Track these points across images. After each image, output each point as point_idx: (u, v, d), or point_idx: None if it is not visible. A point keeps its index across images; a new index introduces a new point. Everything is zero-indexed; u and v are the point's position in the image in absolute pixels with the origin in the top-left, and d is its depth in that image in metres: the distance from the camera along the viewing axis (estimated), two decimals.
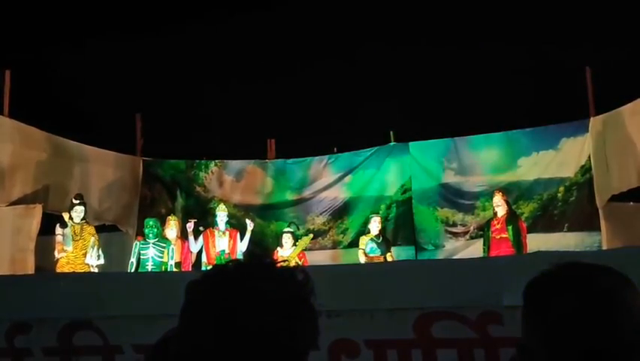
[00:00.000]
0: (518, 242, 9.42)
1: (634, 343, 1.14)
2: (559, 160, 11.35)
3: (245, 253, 9.86)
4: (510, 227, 9.53)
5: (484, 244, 9.95)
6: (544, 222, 11.30)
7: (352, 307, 4.18)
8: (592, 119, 10.95)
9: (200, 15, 14.08)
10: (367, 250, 10.05)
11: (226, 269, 1.18)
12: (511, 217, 9.71)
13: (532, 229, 11.18)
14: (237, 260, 1.20)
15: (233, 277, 1.16)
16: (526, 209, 11.40)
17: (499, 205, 9.75)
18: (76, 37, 13.43)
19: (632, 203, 10.98)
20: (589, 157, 11.00)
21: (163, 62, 13.87)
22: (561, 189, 11.29)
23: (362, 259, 9.99)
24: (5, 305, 4.40)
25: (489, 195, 11.45)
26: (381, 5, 13.92)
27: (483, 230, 10.24)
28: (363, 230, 10.76)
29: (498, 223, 9.68)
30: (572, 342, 1.14)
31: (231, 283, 1.14)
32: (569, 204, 11.22)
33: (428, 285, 4.28)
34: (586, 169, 11.06)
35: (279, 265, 1.18)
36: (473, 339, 4.02)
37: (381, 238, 10.21)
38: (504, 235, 9.52)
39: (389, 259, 10.03)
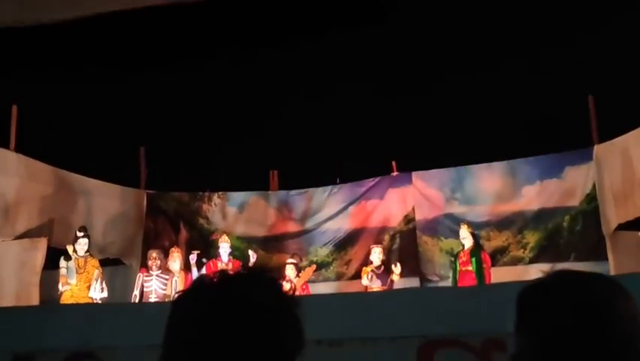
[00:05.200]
0: (480, 274, 9.59)
1: (626, 350, 1.13)
2: (563, 189, 11.27)
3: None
4: (473, 259, 9.73)
5: (452, 277, 10.17)
6: (550, 251, 11.16)
7: (354, 336, 4.15)
8: (596, 147, 10.92)
9: (203, 51, 14.20)
10: (365, 282, 10.01)
11: (207, 278, 1.18)
12: (475, 250, 9.88)
13: (538, 258, 11.14)
14: (222, 271, 1.19)
15: (214, 284, 1.15)
16: (531, 239, 11.31)
17: (465, 238, 10.00)
18: (82, 71, 13.52)
19: (639, 232, 10.91)
20: (594, 185, 10.92)
21: (166, 95, 13.94)
22: (567, 218, 11.17)
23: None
24: (8, 336, 4.38)
25: (494, 225, 11.46)
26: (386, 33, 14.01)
27: (453, 263, 10.34)
28: (367, 261, 10.71)
29: (464, 256, 9.90)
30: (564, 352, 1.14)
31: (213, 290, 1.14)
32: (575, 233, 11.08)
33: (431, 312, 4.25)
34: (591, 197, 10.96)
35: (266, 273, 1.18)
36: None
37: (382, 269, 10.16)
38: (469, 268, 9.74)
39: (395, 278, 9.94)
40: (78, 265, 9.26)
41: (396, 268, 10.01)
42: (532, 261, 11.21)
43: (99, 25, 11.37)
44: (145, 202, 12.24)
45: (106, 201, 11.42)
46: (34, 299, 9.34)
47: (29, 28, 9.39)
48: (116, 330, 4.29)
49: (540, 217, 11.35)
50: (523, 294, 1.24)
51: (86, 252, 9.41)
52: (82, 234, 9.47)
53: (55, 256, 9.69)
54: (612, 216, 10.49)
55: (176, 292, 1.18)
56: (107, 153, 13.29)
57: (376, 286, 9.89)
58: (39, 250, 9.60)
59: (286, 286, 8.68)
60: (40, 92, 13.01)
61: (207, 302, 1.12)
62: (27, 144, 10.12)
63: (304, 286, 9.95)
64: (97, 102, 13.87)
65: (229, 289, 1.13)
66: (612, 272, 10.12)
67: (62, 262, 9.31)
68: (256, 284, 1.15)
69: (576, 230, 11.09)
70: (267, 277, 1.18)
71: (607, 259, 10.50)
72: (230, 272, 1.19)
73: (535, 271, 10.77)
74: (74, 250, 9.34)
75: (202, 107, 14.31)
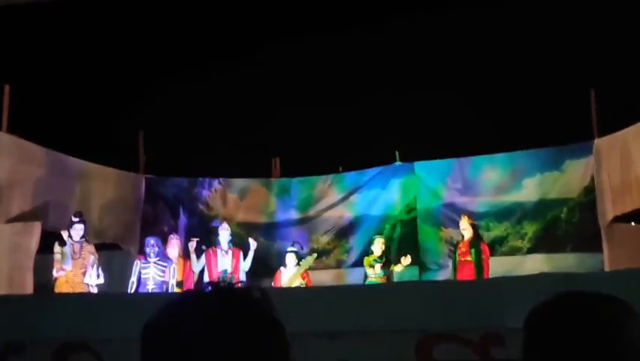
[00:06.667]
0: (479, 265, 9.67)
1: None
2: (563, 181, 11.38)
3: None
4: (473, 250, 9.80)
5: (452, 267, 10.25)
6: (547, 242, 11.32)
7: (354, 329, 4.12)
8: (596, 140, 10.96)
9: (206, 38, 14.13)
10: (369, 273, 10.03)
11: (176, 301, 1.14)
12: (475, 240, 9.95)
13: (536, 249, 11.30)
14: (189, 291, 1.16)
15: (185, 307, 1.12)
16: (530, 229, 11.45)
17: (465, 229, 10.05)
18: (78, 52, 13.45)
19: (634, 224, 10.97)
20: (592, 178, 11.01)
21: (165, 79, 13.87)
22: (565, 210, 11.31)
23: (364, 280, 9.98)
24: (0, 325, 4.35)
25: (493, 216, 11.54)
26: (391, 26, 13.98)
27: (452, 253, 10.41)
28: (368, 250, 10.71)
29: (463, 246, 9.96)
30: None
31: (195, 315, 1.10)
32: (573, 225, 11.23)
33: (431, 307, 4.23)
34: (589, 190, 11.07)
35: (236, 286, 1.14)
36: None
37: (384, 259, 10.17)
38: (468, 258, 9.80)
39: (396, 269, 9.97)
40: (73, 250, 9.13)
41: (405, 260, 10.03)
42: (530, 251, 11.38)
43: (95, 1, 11.31)
44: (143, 187, 12.17)
45: (103, 185, 11.30)
46: (28, 283, 9.25)
47: (22, 7, 9.26)
48: (110, 321, 4.25)
49: (539, 208, 11.47)
50: (531, 318, 1.20)
51: (81, 237, 9.27)
52: (77, 219, 9.31)
53: (50, 239, 9.56)
54: (609, 209, 10.58)
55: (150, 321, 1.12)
56: (104, 137, 13.24)
57: (379, 276, 9.90)
58: (33, 234, 9.47)
59: (287, 274, 8.69)
60: (35, 71, 12.94)
61: (189, 323, 1.08)
62: (20, 125, 9.98)
63: (305, 275, 9.92)
64: (95, 84, 13.79)
65: (213, 311, 1.09)
66: (607, 263, 10.22)
67: (57, 248, 9.15)
68: (244, 304, 1.11)
69: (573, 222, 11.22)
70: (256, 296, 1.14)
71: (602, 250, 10.57)
72: (215, 289, 1.14)
73: (533, 262, 10.89)
74: (69, 236, 9.21)
75: (204, 93, 14.25)
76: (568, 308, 1.17)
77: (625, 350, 1.11)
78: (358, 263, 11.12)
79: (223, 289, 1.15)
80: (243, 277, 9.81)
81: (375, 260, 10.09)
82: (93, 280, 9.07)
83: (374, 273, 9.96)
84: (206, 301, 1.11)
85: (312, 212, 12.51)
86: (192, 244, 9.91)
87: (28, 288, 9.11)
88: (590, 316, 1.14)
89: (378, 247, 10.24)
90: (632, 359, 1.10)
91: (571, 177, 11.30)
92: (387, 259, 10.35)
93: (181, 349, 1.06)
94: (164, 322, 1.11)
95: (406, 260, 10.05)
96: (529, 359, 1.17)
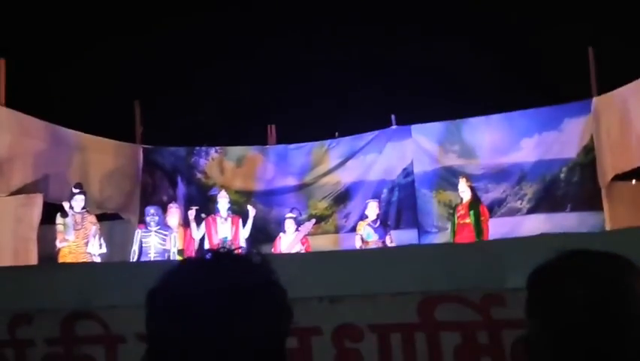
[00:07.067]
0: (478, 227, 9.73)
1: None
2: (561, 141, 11.34)
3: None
4: (472, 212, 9.86)
5: (450, 230, 10.27)
6: (547, 202, 11.34)
7: (355, 293, 4.15)
8: (594, 99, 10.90)
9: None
10: (364, 236, 10.07)
11: (185, 267, 1.16)
12: (474, 203, 9.99)
13: (535, 209, 11.30)
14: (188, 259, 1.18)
15: (198, 271, 1.13)
16: (529, 190, 11.45)
17: (464, 191, 10.09)
18: (73, 24, 13.35)
19: (634, 182, 10.99)
20: (591, 137, 10.98)
21: (161, 48, 13.79)
22: (564, 169, 11.31)
23: (358, 245, 10.04)
24: (6, 296, 4.38)
25: (492, 178, 11.54)
26: None
27: (451, 216, 10.45)
28: (364, 215, 10.75)
29: (462, 209, 10.02)
30: (577, 334, 1.11)
31: (198, 277, 1.11)
32: (572, 184, 11.23)
33: (431, 269, 4.26)
34: (589, 149, 11.05)
35: (235, 252, 1.16)
36: (476, 322, 4.00)
37: (378, 223, 10.21)
38: (467, 221, 9.86)
39: (388, 242, 10.03)
40: (75, 221, 9.23)
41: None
42: (529, 212, 11.40)
43: None
44: (141, 157, 12.17)
45: (101, 157, 11.34)
46: (32, 254, 9.33)
47: None
48: (116, 289, 4.29)
49: (538, 169, 11.47)
50: (534, 277, 1.21)
51: (82, 208, 9.37)
52: (78, 190, 9.40)
53: (52, 211, 9.64)
54: (608, 167, 10.59)
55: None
56: (100, 108, 13.20)
57: (373, 239, 9.94)
58: (35, 206, 9.54)
59: (286, 239, 8.74)
60: (30, 45, 12.86)
61: (192, 288, 1.10)
62: (17, 99, 9.97)
63: (304, 240, 9.97)
64: (89, 56, 13.72)
65: (214, 277, 1.11)
66: (607, 222, 10.26)
67: (59, 219, 9.28)
68: (244, 269, 1.12)
69: (573, 181, 11.22)
70: (256, 261, 1.15)
71: (602, 209, 10.61)
72: (215, 256, 1.16)
73: (533, 222, 10.92)
74: (71, 207, 9.30)
75: (199, 61, 14.18)
76: (571, 266, 1.18)
77: (628, 306, 1.12)
78: (356, 228, 11.19)
79: (223, 255, 1.17)
80: (243, 243, 9.88)
81: (368, 224, 10.15)
82: (95, 249, 9.17)
83: (367, 236, 10.01)
84: (208, 267, 1.13)
85: (309, 178, 12.54)
86: (192, 213, 9.96)
87: (33, 259, 9.19)
88: (593, 273, 1.15)
89: (372, 210, 10.28)
90: (636, 315, 1.11)
91: (570, 137, 11.26)
92: (383, 223, 10.39)
93: (184, 313, 1.08)
94: (168, 288, 1.13)
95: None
96: (532, 318, 1.18)
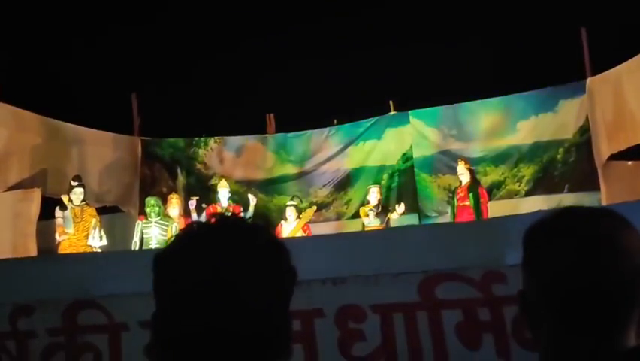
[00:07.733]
0: (478, 209, 9.77)
1: (633, 283, 1.12)
2: (557, 122, 11.41)
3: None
4: (471, 194, 9.91)
5: (450, 212, 10.32)
6: (544, 184, 11.42)
7: (357, 273, 4.18)
8: (589, 79, 10.95)
9: None
10: (366, 222, 10.09)
11: (190, 231, 1.17)
12: (473, 185, 10.05)
13: (533, 191, 11.38)
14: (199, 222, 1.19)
15: (203, 233, 1.15)
16: (527, 172, 11.52)
17: (463, 174, 10.13)
18: (69, 17, 13.31)
19: (630, 162, 11.02)
20: (587, 118, 11.03)
21: (158, 38, 13.75)
22: (560, 150, 11.38)
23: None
24: (8, 288, 4.39)
25: (490, 160, 11.58)
26: None
27: (451, 199, 10.49)
28: (365, 200, 10.77)
29: (462, 191, 10.06)
30: (570, 288, 1.13)
31: (203, 239, 1.13)
32: (569, 165, 11.32)
33: (431, 248, 4.28)
34: (584, 130, 11.11)
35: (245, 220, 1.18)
36: (477, 299, 4.03)
37: (380, 208, 10.23)
38: (466, 203, 9.91)
39: (392, 217, 10.02)
40: (75, 214, 9.21)
41: (399, 208, 10.08)
42: (527, 193, 11.48)
43: None
44: (140, 149, 12.15)
45: (99, 150, 11.32)
46: (31, 249, 9.33)
47: None
48: (117, 278, 4.30)
49: (535, 151, 11.55)
50: (528, 232, 1.22)
51: (81, 201, 9.34)
52: (76, 183, 9.36)
53: (51, 206, 9.63)
54: (604, 147, 10.63)
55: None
56: (97, 101, 13.16)
57: (375, 224, 9.96)
58: (33, 201, 9.53)
59: (288, 227, 8.74)
60: (25, 38, 12.82)
61: (199, 250, 1.11)
62: (13, 93, 9.95)
63: (306, 227, 9.99)
64: (85, 48, 13.68)
65: (220, 238, 1.13)
66: (604, 201, 10.32)
67: (58, 212, 9.26)
68: (248, 231, 1.14)
69: (570, 162, 11.31)
70: (257, 224, 1.18)
71: (599, 188, 10.66)
72: (219, 220, 1.18)
73: (531, 204, 10.97)
74: (70, 200, 9.27)
75: (194, 51, 14.14)
76: (564, 222, 1.20)
77: (621, 260, 1.13)
78: (358, 214, 11.19)
79: (227, 218, 1.19)
80: None
81: (370, 209, 10.17)
82: (96, 242, 9.16)
83: (370, 222, 10.03)
84: (213, 230, 1.15)
85: (309, 166, 12.55)
86: (192, 203, 9.96)
87: (32, 254, 9.18)
88: (585, 228, 1.16)
89: (373, 196, 10.30)
90: (629, 269, 1.13)
91: (565, 118, 11.32)
92: (384, 208, 10.41)
93: (192, 276, 1.09)
94: (175, 251, 1.14)
95: (400, 208, 10.10)
96: (527, 273, 1.20)
